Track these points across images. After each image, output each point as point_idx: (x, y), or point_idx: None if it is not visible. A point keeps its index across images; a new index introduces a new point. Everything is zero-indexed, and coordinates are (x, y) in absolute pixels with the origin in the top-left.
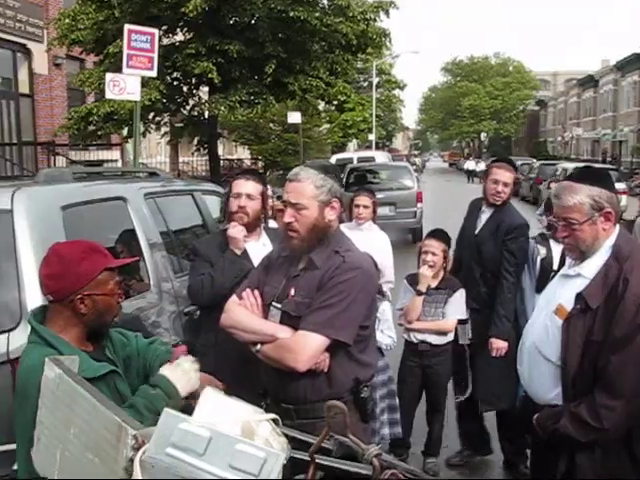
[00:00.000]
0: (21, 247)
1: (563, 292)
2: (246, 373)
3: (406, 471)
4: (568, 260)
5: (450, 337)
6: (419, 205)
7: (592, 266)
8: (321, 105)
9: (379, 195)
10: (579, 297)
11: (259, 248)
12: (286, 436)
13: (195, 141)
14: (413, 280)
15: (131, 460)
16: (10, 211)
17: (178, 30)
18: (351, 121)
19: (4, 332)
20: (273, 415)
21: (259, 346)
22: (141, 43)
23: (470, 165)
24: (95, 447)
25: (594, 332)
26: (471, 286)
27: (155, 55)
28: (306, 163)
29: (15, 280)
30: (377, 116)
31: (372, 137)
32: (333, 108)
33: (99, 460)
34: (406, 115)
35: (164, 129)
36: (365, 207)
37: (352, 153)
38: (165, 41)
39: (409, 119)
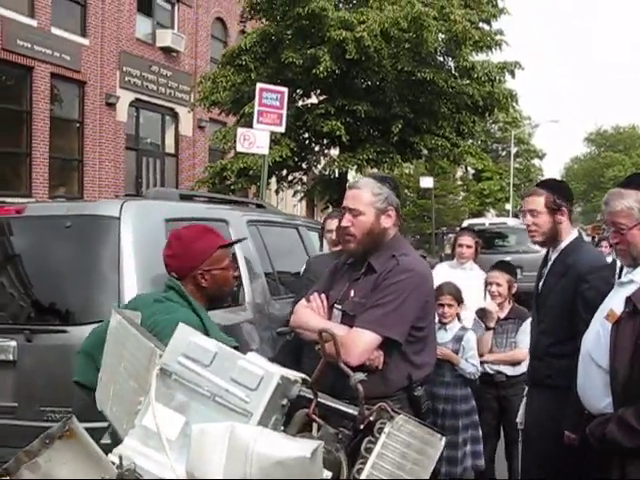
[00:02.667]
0: (124, 252)
1: (616, 298)
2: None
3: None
4: (625, 270)
5: (524, 367)
6: None
7: None
8: (458, 173)
9: (507, 258)
10: (628, 301)
11: None
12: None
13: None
14: (482, 314)
15: None
16: (118, 218)
17: (312, 93)
18: (488, 190)
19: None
20: (303, 375)
21: None
22: (271, 100)
23: None
24: (135, 374)
25: None
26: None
27: (284, 112)
28: (367, 174)
29: (116, 278)
30: (515, 186)
31: (509, 207)
32: (470, 177)
33: (137, 385)
34: None
35: (297, 187)
36: (468, 247)
37: (484, 219)
38: (299, 103)
39: None
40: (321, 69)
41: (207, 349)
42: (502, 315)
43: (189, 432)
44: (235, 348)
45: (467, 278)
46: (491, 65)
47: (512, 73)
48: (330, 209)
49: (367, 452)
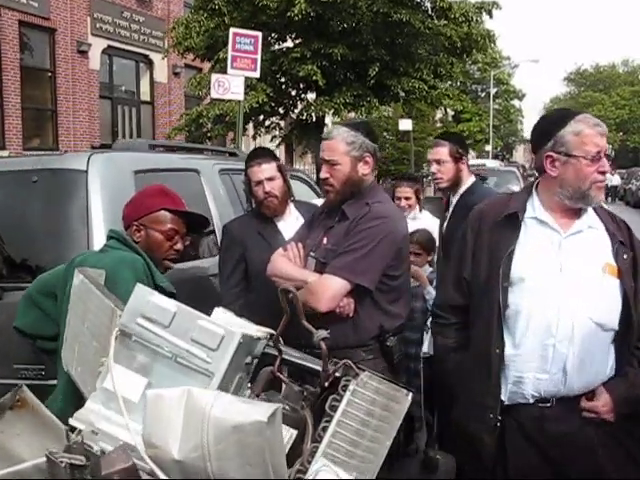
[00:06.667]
0: (93, 206)
1: (590, 250)
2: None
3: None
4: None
5: None
6: None
7: (590, 215)
8: (438, 115)
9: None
10: (615, 242)
11: (292, 222)
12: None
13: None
14: None
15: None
16: (85, 172)
17: (287, 37)
18: (467, 131)
19: None
20: (270, 330)
21: None
22: (245, 45)
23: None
24: (98, 334)
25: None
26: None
27: (258, 57)
28: (339, 122)
29: (85, 235)
30: (495, 127)
31: (489, 148)
32: (450, 119)
33: (100, 345)
34: (527, 127)
35: (275, 132)
36: (406, 199)
37: None
38: (275, 47)
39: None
40: (296, 12)
41: (166, 309)
42: None
43: None
44: (171, 295)
45: (415, 227)
46: (468, 5)
47: (489, 13)
48: (309, 154)
49: (332, 410)
